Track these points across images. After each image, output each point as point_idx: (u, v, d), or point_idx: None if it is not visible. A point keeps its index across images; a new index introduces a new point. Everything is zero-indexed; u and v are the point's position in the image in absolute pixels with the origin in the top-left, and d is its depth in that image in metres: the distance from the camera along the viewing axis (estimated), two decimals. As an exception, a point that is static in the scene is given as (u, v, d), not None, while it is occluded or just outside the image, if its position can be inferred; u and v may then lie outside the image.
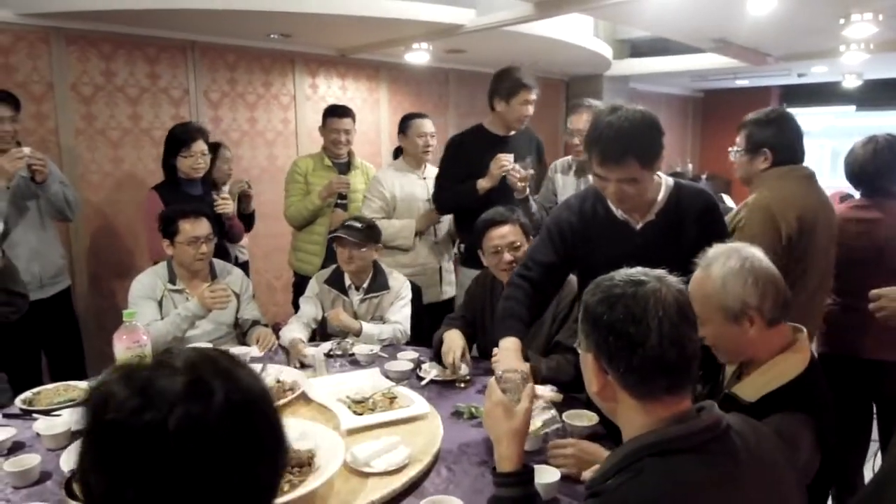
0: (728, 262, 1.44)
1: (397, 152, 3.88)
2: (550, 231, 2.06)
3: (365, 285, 2.83)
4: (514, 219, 2.45)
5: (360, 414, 1.85)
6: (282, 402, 1.93)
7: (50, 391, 2.14)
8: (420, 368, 2.31)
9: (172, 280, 2.71)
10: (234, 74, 4.72)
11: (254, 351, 2.57)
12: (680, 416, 1.04)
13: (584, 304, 1.12)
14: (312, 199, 3.49)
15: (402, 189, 3.41)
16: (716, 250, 1.50)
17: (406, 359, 2.36)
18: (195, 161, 3.12)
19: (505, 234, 2.41)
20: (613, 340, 1.05)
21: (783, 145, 2.23)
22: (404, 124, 3.53)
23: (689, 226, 1.88)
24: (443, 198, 3.22)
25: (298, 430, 1.65)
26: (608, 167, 1.77)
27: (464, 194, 3.09)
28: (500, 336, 1.86)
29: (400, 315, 2.80)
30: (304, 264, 3.60)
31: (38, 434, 1.83)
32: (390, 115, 5.68)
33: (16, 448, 1.80)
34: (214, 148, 3.78)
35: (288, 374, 2.17)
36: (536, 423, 1.75)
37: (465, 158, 3.15)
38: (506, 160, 3.01)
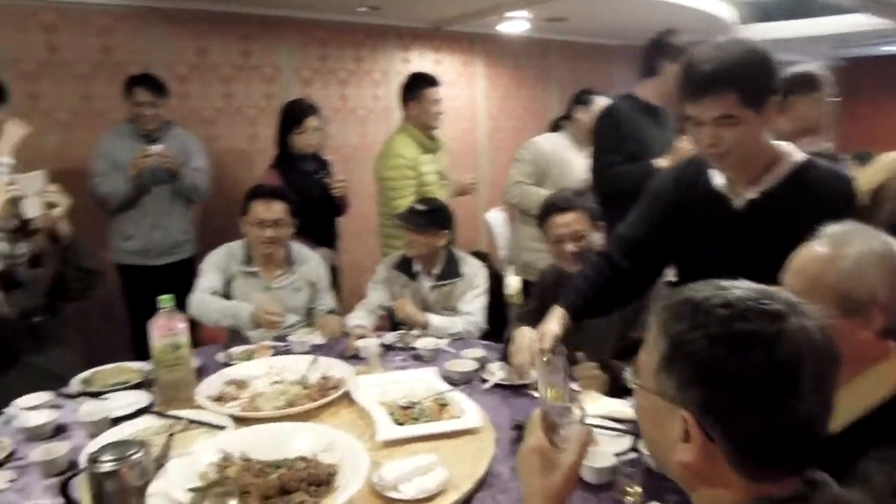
0: (872, 243, 1.10)
1: (556, 125, 3.57)
2: (641, 202, 1.77)
3: (436, 272, 2.62)
4: (581, 205, 2.20)
5: (402, 423, 1.64)
6: (322, 401, 1.76)
7: (106, 372, 2.10)
8: (485, 369, 2.07)
9: (247, 261, 2.62)
10: (325, 51, 4.63)
11: (316, 338, 2.43)
12: (781, 499, 0.73)
13: (676, 337, 0.77)
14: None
15: (555, 155, 3.16)
16: (849, 227, 1.15)
17: (470, 357, 2.12)
18: (308, 137, 3.24)
19: (569, 222, 2.17)
20: (740, 399, 0.72)
21: None
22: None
23: (812, 217, 1.47)
24: (611, 177, 2.71)
25: (325, 439, 1.46)
26: (699, 101, 1.44)
27: (635, 175, 2.58)
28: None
29: (472, 306, 2.56)
30: None
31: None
32: (487, 90, 5.41)
33: (59, 432, 1.75)
34: None
35: (338, 369, 1.99)
36: (605, 454, 1.46)
37: (626, 132, 2.75)
38: (689, 141, 2.68)
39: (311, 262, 2.75)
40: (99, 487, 1.27)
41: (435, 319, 2.46)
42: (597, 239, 2.22)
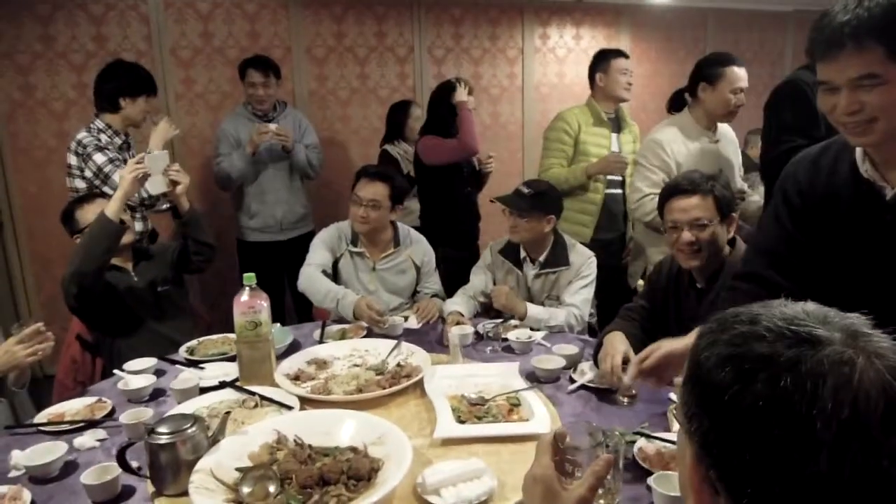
0: None
1: (675, 102, 3.10)
2: (775, 200, 1.46)
3: (541, 259, 2.46)
4: (708, 189, 1.87)
5: (464, 422, 1.54)
6: (390, 390, 1.71)
7: (210, 342, 2.21)
8: (575, 369, 1.90)
9: (354, 241, 2.64)
10: (460, 29, 4.56)
11: (412, 322, 2.39)
12: None
13: (694, 355, 0.64)
14: (576, 173, 3.02)
15: (689, 157, 2.74)
16: None
17: (561, 354, 1.95)
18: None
19: (688, 208, 1.87)
20: (737, 441, 0.56)
21: None
22: (712, 70, 2.71)
23: None
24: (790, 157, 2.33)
25: (377, 432, 1.40)
26: (834, 59, 1.15)
27: None
28: None
29: (577, 297, 2.38)
30: (572, 236, 2.82)
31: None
32: (631, 67, 5.03)
33: (156, 396, 1.86)
34: (405, 106, 3.77)
35: (417, 357, 1.93)
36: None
37: (816, 110, 2.38)
38: None
39: (417, 243, 2.71)
40: (155, 458, 1.32)
41: (534, 310, 2.31)
42: (722, 233, 1.92)
